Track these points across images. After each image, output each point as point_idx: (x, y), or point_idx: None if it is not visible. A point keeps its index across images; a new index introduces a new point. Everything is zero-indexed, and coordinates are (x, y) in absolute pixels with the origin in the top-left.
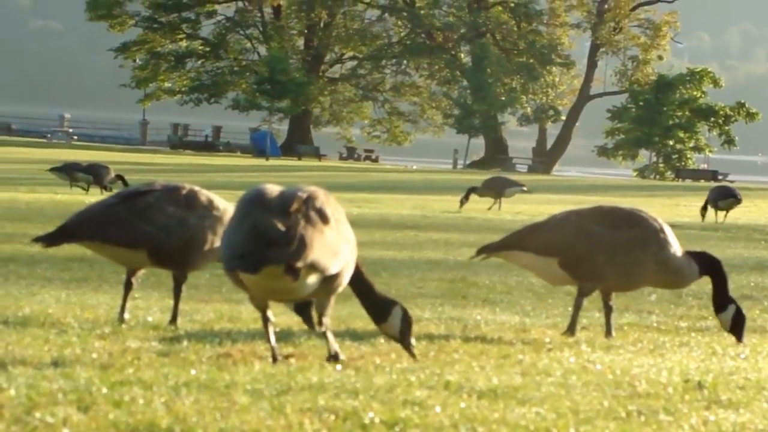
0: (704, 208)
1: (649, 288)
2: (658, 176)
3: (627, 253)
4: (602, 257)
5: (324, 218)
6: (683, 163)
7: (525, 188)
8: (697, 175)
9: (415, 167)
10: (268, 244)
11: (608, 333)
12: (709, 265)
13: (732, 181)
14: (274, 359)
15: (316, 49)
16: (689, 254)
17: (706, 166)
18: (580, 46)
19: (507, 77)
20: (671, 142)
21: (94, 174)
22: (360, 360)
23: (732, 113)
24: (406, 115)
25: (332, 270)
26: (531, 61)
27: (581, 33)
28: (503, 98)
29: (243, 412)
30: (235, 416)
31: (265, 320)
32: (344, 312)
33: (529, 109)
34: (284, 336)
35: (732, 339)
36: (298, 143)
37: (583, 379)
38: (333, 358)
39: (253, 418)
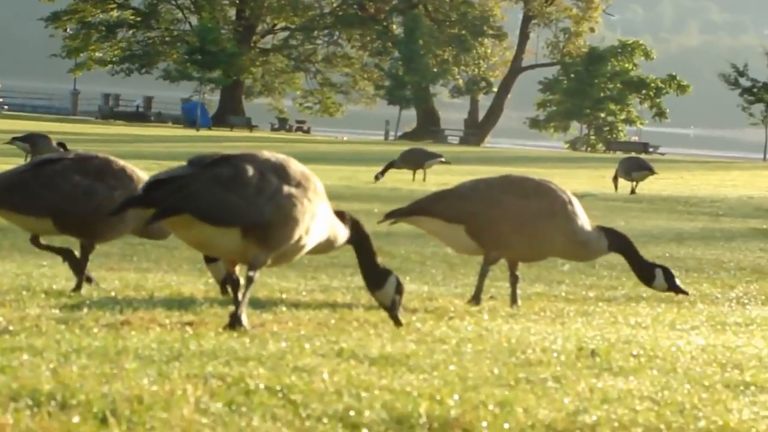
0: (615, 179)
1: (562, 258)
2: (589, 148)
3: (534, 223)
4: (509, 226)
5: (240, 177)
6: (614, 136)
7: (443, 159)
8: (628, 147)
9: (345, 138)
10: (153, 188)
11: (513, 302)
12: (619, 241)
13: (663, 154)
14: (240, 325)
15: (247, 19)
16: (600, 229)
17: (637, 138)
18: (513, 18)
19: (439, 49)
20: (602, 115)
21: (32, 143)
22: (259, 328)
23: (663, 86)
24: (338, 87)
25: (222, 223)
26: (463, 32)
27: (513, 5)
28: (435, 70)
29: (129, 377)
30: (121, 382)
31: (232, 282)
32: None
33: (460, 81)
34: (186, 303)
35: (635, 308)
36: (229, 114)
37: (477, 347)
38: (234, 320)
39: (137, 384)
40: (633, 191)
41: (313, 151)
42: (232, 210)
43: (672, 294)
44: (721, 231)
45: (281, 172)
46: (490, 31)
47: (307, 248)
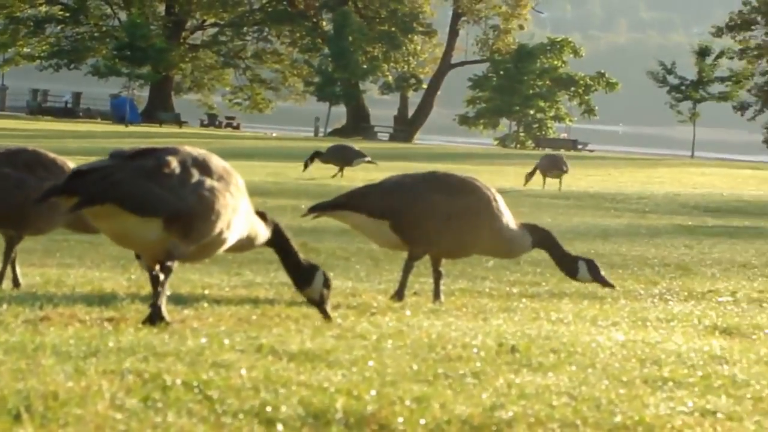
0: (531, 174)
1: (486, 255)
2: (518, 145)
3: (459, 220)
4: (434, 223)
5: (163, 168)
6: (544, 132)
7: (369, 159)
8: (557, 144)
9: (275, 134)
10: (76, 177)
11: (436, 298)
12: (542, 238)
13: (592, 151)
14: (160, 319)
15: (177, 15)
16: (523, 226)
17: (566, 135)
18: (442, 15)
19: (369, 45)
20: (532, 112)
21: None
22: (180, 323)
23: (592, 83)
24: (268, 83)
25: (144, 212)
26: (393, 29)
27: (443, 2)
28: (365, 66)
29: (44, 374)
30: (36, 378)
31: (152, 279)
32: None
33: (390, 78)
34: (108, 299)
35: (557, 304)
36: (158, 110)
37: (397, 342)
38: (154, 314)
39: (53, 380)
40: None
41: (242, 146)
42: (155, 200)
43: (595, 290)
44: (647, 228)
45: (203, 166)
46: (420, 28)
47: (228, 243)
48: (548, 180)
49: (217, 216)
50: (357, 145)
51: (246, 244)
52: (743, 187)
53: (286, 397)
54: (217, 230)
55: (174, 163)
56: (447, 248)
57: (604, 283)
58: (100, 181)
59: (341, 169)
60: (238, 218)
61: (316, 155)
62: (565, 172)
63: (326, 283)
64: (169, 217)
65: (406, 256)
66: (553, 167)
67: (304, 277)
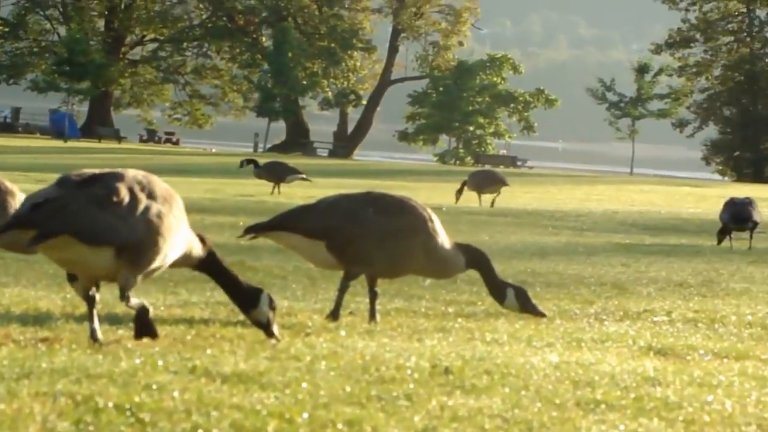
0: (459, 191)
1: (421, 276)
2: (458, 161)
3: (395, 240)
4: (370, 243)
5: (113, 196)
6: (483, 149)
7: (304, 176)
8: (496, 160)
9: (214, 150)
10: (32, 210)
11: (372, 318)
12: (476, 258)
13: (531, 167)
14: (94, 340)
15: (116, 30)
16: (458, 246)
17: (506, 151)
18: (382, 31)
19: (308, 61)
20: (471, 128)
21: None
22: (114, 344)
23: (532, 99)
24: (207, 98)
25: (98, 243)
26: (332, 45)
27: (383, 18)
28: (304, 82)
29: None
30: None
31: (88, 299)
32: (107, 296)
33: (330, 94)
34: (43, 319)
35: (493, 324)
36: (98, 125)
37: (331, 364)
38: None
39: None
40: (492, 204)
41: (182, 162)
42: (108, 230)
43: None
44: (584, 246)
45: (149, 190)
46: (360, 44)
47: (167, 264)
48: (482, 197)
49: (164, 241)
50: (296, 161)
51: (179, 261)
52: (681, 205)
53: (218, 419)
54: (163, 255)
55: (123, 190)
56: (383, 268)
57: (533, 312)
58: (55, 214)
59: (276, 186)
60: (180, 239)
61: (254, 163)
62: (500, 185)
63: (272, 305)
64: (120, 246)
65: (342, 275)
66: (489, 183)
67: (250, 300)
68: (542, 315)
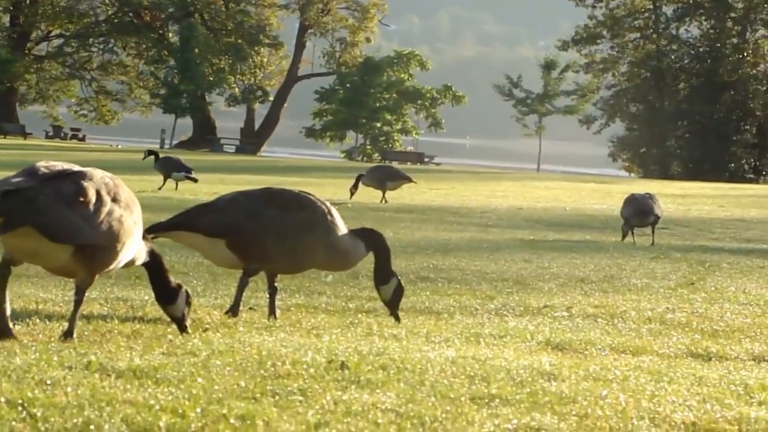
0: (354, 186)
1: (323, 270)
2: (365, 158)
3: (295, 235)
4: (270, 240)
5: (81, 196)
6: (390, 145)
7: (191, 175)
8: (403, 157)
9: (120, 146)
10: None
11: (271, 314)
12: (374, 240)
13: (438, 164)
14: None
15: (21, 26)
16: (353, 233)
17: (413, 148)
18: (289, 27)
19: (215, 57)
20: (378, 125)
21: None
22: (10, 339)
23: (439, 96)
24: (114, 94)
25: (60, 240)
26: (239, 41)
27: (290, 14)
28: (211, 78)
29: None
30: None
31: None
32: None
33: (237, 90)
34: None
35: (392, 319)
36: (3, 121)
37: (227, 359)
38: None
39: None
40: (384, 200)
41: (88, 159)
42: (72, 228)
43: (431, 306)
44: (488, 242)
45: (114, 193)
46: (266, 41)
47: (119, 267)
48: (377, 193)
49: (122, 246)
50: (203, 157)
51: (129, 264)
52: (586, 201)
53: (110, 414)
54: (118, 259)
55: (91, 191)
56: (283, 264)
57: (393, 311)
58: (23, 205)
59: (165, 181)
60: (134, 245)
61: (155, 155)
62: (402, 181)
63: (188, 301)
64: (79, 246)
65: (241, 271)
66: (388, 178)
67: (169, 295)
68: (397, 320)
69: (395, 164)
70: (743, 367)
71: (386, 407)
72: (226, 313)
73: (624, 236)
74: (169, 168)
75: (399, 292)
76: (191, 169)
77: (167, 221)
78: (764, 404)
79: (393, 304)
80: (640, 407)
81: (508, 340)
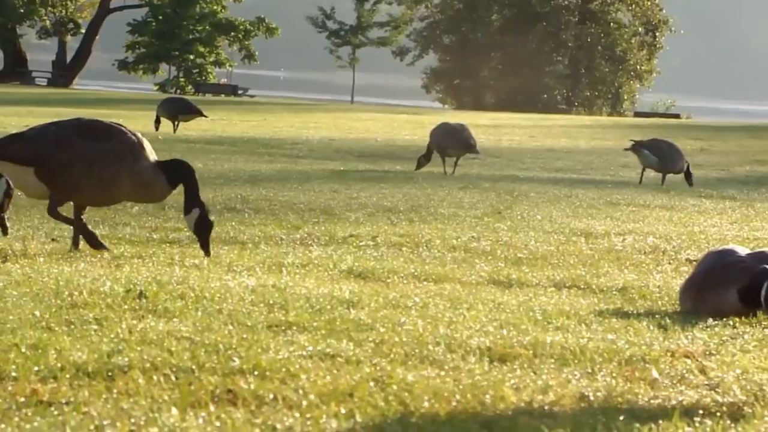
0: (157, 121)
1: (130, 201)
2: (178, 90)
3: (103, 165)
4: (77, 169)
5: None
6: (204, 78)
7: None
8: (217, 89)
9: None
10: None
11: (74, 245)
12: (179, 173)
13: (252, 96)
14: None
15: None
16: (159, 165)
17: (226, 80)
18: None
19: None
20: (191, 57)
21: None
22: None
23: (252, 28)
24: None
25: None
26: None
27: None
28: (21, 10)
29: None
30: None
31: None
32: None
33: (48, 22)
34: None
35: (195, 250)
36: None
37: (23, 289)
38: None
39: None
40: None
41: None
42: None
43: (236, 236)
44: (298, 173)
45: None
46: None
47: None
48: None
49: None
50: (14, 90)
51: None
52: (398, 132)
53: None
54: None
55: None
56: (91, 196)
57: (203, 242)
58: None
59: None
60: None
61: None
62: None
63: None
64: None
65: (48, 204)
66: (179, 110)
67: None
68: (207, 254)
69: (209, 96)
70: (544, 293)
71: (182, 335)
72: (71, 250)
73: (419, 167)
74: None
75: (202, 223)
76: None
77: None
78: (561, 329)
79: (199, 235)
80: (437, 333)
81: (311, 269)
